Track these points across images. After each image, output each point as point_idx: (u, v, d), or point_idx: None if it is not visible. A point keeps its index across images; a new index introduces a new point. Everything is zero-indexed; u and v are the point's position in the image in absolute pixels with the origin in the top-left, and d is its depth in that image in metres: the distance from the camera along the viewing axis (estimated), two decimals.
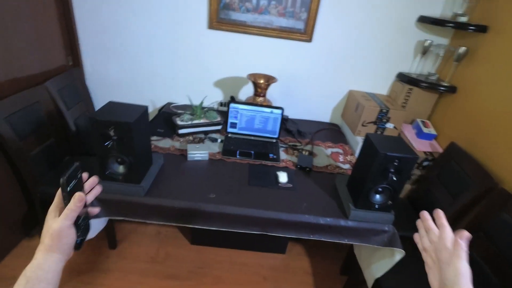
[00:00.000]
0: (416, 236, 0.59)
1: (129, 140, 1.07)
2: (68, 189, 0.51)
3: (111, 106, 1.14)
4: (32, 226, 1.75)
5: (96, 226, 1.34)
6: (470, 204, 1.44)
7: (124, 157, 1.12)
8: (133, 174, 1.17)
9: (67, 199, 0.51)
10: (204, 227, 1.26)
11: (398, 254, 1.25)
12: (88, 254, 1.68)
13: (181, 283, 1.61)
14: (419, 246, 0.57)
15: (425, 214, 0.57)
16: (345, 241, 1.28)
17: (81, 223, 0.54)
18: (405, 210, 1.72)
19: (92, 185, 0.60)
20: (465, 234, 0.49)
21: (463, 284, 0.47)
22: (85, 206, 0.56)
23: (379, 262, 1.34)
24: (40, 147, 1.59)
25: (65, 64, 1.93)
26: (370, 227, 1.25)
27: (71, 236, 0.50)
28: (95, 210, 0.59)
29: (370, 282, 1.36)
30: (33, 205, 1.70)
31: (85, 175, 0.57)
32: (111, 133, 1.06)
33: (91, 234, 1.32)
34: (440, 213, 0.54)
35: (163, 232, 1.91)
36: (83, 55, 2.02)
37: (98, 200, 1.21)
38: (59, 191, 0.51)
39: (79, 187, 0.55)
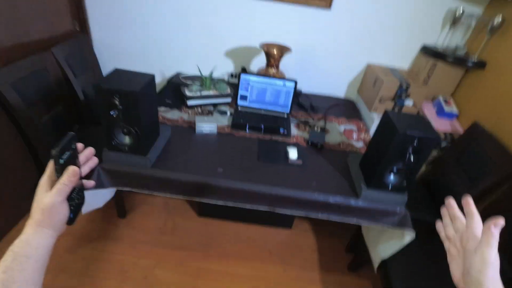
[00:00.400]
0: (439, 225, 0.54)
1: (134, 110, 1.03)
2: (61, 161, 0.47)
3: (117, 73, 1.09)
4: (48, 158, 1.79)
5: (104, 196, 1.34)
6: (490, 189, 1.37)
7: (130, 128, 1.09)
8: (140, 145, 1.14)
9: (59, 172, 0.47)
10: (211, 202, 1.24)
11: (408, 236, 1.22)
12: (98, 222, 1.72)
13: (189, 253, 1.64)
14: (442, 235, 0.53)
15: (451, 201, 0.52)
16: (354, 221, 1.25)
17: (75, 197, 0.51)
18: (417, 191, 1.66)
19: (88, 157, 0.56)
20: (500, 222, 0.43)
21: (490, 274, 0.42)
22: (80, 178, 0.51)
23: (387, 243, 1.31)
24: (49, 115, 1.57)
25: (71, 29, 1.87)
26: (382, 208, 1.21)
27: (63, 211, 0.47)
28: (90, 183, 0.55)
29: (376, 262, 1.34)
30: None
31: (80, 145, 0.53)
32: (116, 102, 1.02)
33: (99, 204, 1.33)
34: (469, 200, 0.48)
35: (171, 203, 1.93)
36: (90, 21, 1.94)
37: (104, 171, 1.20)
38: (51, 163, 0.47)
39: (74, 159, 0.51)
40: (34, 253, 0.42)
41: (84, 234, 1.65)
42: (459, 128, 1.73)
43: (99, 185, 1.20)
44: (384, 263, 1.31)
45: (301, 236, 1.86)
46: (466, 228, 0.48)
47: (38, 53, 1.54)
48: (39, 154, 1.55)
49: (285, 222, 1.89)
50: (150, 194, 1.94)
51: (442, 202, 1.58)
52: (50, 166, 0.48)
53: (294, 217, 1.88)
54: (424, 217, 1.50)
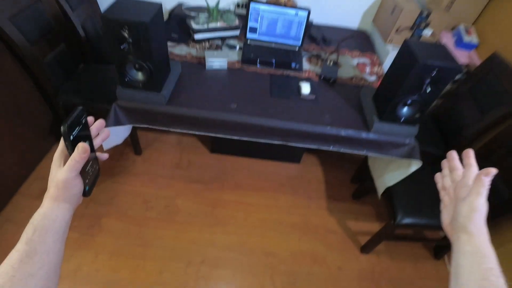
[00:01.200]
0: (437, 175, 0.55)
1: (146, 42, 0.99)
2: (71, 137, 0.45)
3: (122, 3, 1.02)
4: (60, 132, 1.84)
5: (122, 133, 1.38)
6: (499, 121, 1.38)
7: (142, 63, 1.06)
8: (153, 81, 1.13)
9: (70, 148, 0.45)
10: (226, 137, 1.28)
11: (415, 165, 1.28)
12: (116, 159, 1.81)
13: (205, 186, 1.76)
14: (439, 185, 0.54)
15: (452, 153, 0.53)
16: (364, 153, 1.30)
17: (89, 170, 0.50)
18: (427, 125, 1.69)
19: (99, 129, 0.54)
20: (492, 171, 0.45)
21: (477, 220, 0.44)
22: (93, 150, 0.51)
23: (393, 172, 1.38)
24: (53, 53, 1.52)
25: None
26: (392, 140, 1.25)
27: (77, 186, 0.47)
28: (104, 155, 0.55)
29: (381, 189, 1.43)
30: (58, 114, 1.74)
31: (90, 119, 0.51)
32: (126, 34, 0.97)
33: (118, 141, 1.38)
34: (470, 153, 0.50)
35: (184, 141, 1.99)
36: None
37: (120, 108, 1.21)
38: (62, 139, 0.46)
39: (85, 133, 0.49)
40: (53, 225, 0.44)
41: (105, 169, 1.75)
42: (477, 60, 1.66)
43: (116, 122, 1.23)
44: (387, 191, 1.40)
45: (309, 170, 1.96)
46: (462, 178, 0.49)
47: None
48: (48, 93, 1.55)
49: (294, 157, 1.97)
50: (164, 132, 1.99)
51: (450, 136, 1.62)
52: (61, 142, 0.47)
53: (303, 152, 1.95)
54: (430, 150, 1.55)
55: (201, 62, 1.44)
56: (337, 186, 1.89)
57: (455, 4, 1.66)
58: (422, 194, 1.39)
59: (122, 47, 1.01)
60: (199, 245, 1.50)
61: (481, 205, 0.45)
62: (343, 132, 1.25)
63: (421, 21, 1.59)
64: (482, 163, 1.36)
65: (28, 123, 1.57)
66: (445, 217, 0.50)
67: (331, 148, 1.29)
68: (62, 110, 1.60)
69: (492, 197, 1.21)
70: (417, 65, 0.99)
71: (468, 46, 1.69)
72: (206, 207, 1.66)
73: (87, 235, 1.47)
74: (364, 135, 1.25)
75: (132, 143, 1.79)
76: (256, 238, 1.57)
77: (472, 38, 1.69)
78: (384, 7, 1.80)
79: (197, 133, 1.28)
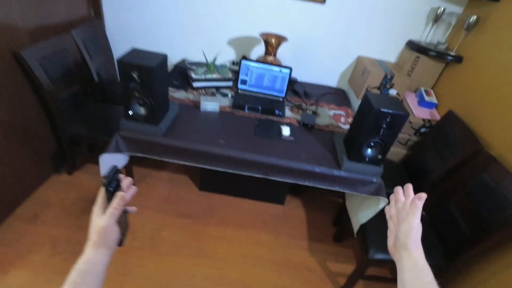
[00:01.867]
0: (386, 208, 0.64)
1: (150, 82, 1.20)
2: (111, 189, 0.56)
3: (135, 52, 1.26)
4: (60, 163, 1.97)
5: (120, 161, 1.52)
6: (457, 166, 1.56)
7: (145, 99, 1.26)
8: (153, 115, 1.32)
9: (109, 199, 0.56)
10: (214, 168, 1.43)
11: (383, 202, 1.41)
12: None
13: (191, 220, 1.83)
14: (387, 215, 0.63)
15: (397, 188, 0.62)
16: (337, 189, 1.44)
17: (122, 221, 0.58)
18: (397, 172, 1.86)
19: (128, 186, 0.63)
20: (423, 196, 0.54)
21: (414, 237, 0.53)
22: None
23: (365, 210, 1.50)
24: (68, 91, 1.75)
25: (87, 14, 2.03)
26: (360, 178, 1.40)
27: (115, 232, 0.55)
28: (133, 208, 0.63)
29: (355, 227, 1.54)
30: (61, 144, 1.90)
31: (122, 176, 0.62)
32: (135, 75, 1.19)
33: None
34: (409, 186, 0.60)
35: (175, 178, 2.11)
36: (104, 7, 2.10)
37: (121, 138, 1.38)
38: (102, 191, 0.57)
39: (118, 187, 0.59)
40: (94, 269, 0.51)
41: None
42: (437, 116, 1.92)
43: (116, 150, 1.39)
44: (362, 229, 1.50)
45: (292, 211, 2.05)
46: (402, 206, 0.58)
47: (59, 35, 1.70)
48: (57, 124, 1.73)
49: (278, 198, 2.08)
50: (156, 167, 2.13)
51: (417, 180, 1.80)
52: (101, 195, 0.57)
53: (286, 194, 2.07)
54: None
55: (196, 105, 1.66)
56: (319, 228, 1.97)
57: (415, 71, 1.98)
58: None
59: (130, 85, 1.22)
60: (180, 275, 1.52)
61: (417, 224, 0.54)
62: (317, 169, 1.40)
63: (386, 82, 1.88)
64: (446, 203, 1.51)
65: (32, 148, 1.70)
66: (390, 240, 0.59)
67: (306, 183, 1.43)
68: (67, 141, 1.77)
69: (455, 235, 1.33)
70: (373, 111, 1.20)
71: (429, 105, 1.96)
72: (191, 239, 1.72)
73: (70, 261, 1.49)
74: (336, 172, 1.40)
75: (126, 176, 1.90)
76: (236, 272, 1.60)
77: (432, 99, 1.97)
78: (357, 69, 2.12)
79: (187, 163, 1.43)
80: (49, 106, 1.65)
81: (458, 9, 1.92)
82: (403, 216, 0.56)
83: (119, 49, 2.26)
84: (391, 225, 0.60)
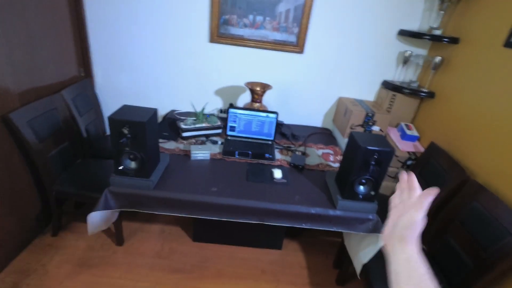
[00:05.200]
0: (392, 197, 0.61)
1: (142, 137, 1.22)
2: None
3: (126, 108, 1.30)
4: (45, 223, 1.88)
5: (110, 218, 1.47)
6: (448, 196, 1.59)
7: (136, 153, 1.27)
8: (144, 169, 1.32)
9: None
10: (207, 217, 1.40)
11: (382, 240, 1.38)
12: (97, 250, 1.80)
13: (185, 276, 1.72)
14: (391, 205, 0.60)
15: (403, 175, 0.60)
16: (334, 229, 1.42)
17: None
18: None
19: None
20: (433, 191, 0.52)
21: (414, 231, 0.51)
22: None
23: (365, 249, 1.47)
24: (57, 149, 1.74)
25: (77, 75, 2.11)
26: (356, 216, 1.39)
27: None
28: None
29: (358, 268, 1.48)
30: (47, 204, 1.83)
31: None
32: (126, 131, 1.21)
33: (104, 226, 1.45)
34: (412, 177, 0.58)
35: (167, 230, 2.03)
36: (94, 67, 2.20)
37: (111, 194, 1.35)
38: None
39: None
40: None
41: (84, 261, 1.72)
42: (421, 148, 1.99)
43: (105, 207, 1.34)
44: (365, 269, 1.45)
45: (291, 255, 1.97)
46: (408, 198, 0.56)
47: (49, 96, 1.74)
48: (45, 184, 1.68)
49: (275, 243, 2.01)
50: (147, 221, 2.06)
51: None
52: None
53: (283, 237, 2.01)
54: None
55: (187, 154, 1.68)
56: (320, 272, 1.88)
57: (393, 107, 2.10)
58: None
59: (121, 141, 1.23)
60: None
61: (420, 219, 0.51)
62: (313, 210, 1.39)
63: (369, 120, 1.97)
64: (444, 236, 1.50)
65: (15, 211, 1.62)
66: (387, 228, 0.56)
67: (303, 225, 1.41)
68: (53, 200, 1.71)
69: (459, 268, 1.30)
70: (360, 150, 1.25)
71: (412, 138, 2.05)
72: None
73: None
74: (331, 212, 1.40)
75: (116, 233, 1.82)
76: None
77: (413, 132, 2.06)
78: (339, 110, 2.23)
79: (180, 215, 1.39)
80: (36, 165, 1.62)
81: (423, 52, 2.11)
82: (407, 208, 0.54)
83: (108, 104, 2.31)
84: (393, 215, 0.57)
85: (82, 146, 1.99)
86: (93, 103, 2.17)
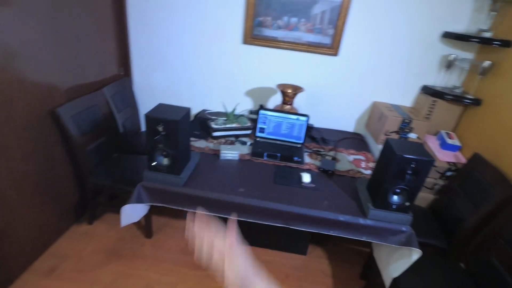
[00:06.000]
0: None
1: (174, 135, 1.25)
2: None
3: (161, 107, 1.34)
4: (81, 213, 2.00)
5: (140, 212, 1.52)
6: (492, 212, 1.46)
7: (169, 150, 1.31)
8: (175, 166, 1.35)
9: None
10: (233, 218, 1.39)
11: (415, 254, 1.31)
12: (127, 241, 1.88)
13: (208, 274, 1.74)
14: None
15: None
16: (363, 239, 1.36)
17: None
18: (426, 218, 1.75)
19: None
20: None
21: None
22: None
23: (397, 262, 1.39)
24: (95, 143, 1.84)
25: (117, 73, 2.22)
26: (388, 226, 1.32)
27: None
28: None
29: (387, 281, 1.41)
30: (84, 194, 1.94)
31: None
32: (160, 129, 1.25)
33: (135, 218, 1.51)
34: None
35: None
36: (133, 67, 2.30)
37: (144, 188, 1.40)
38: None
39: None
40: None
41: (114, 251, 1.80)
42: (462, 159, 1.85)
43: (138, 200, 1.40)
44: (395, 283, 1.38)
45: (316, 262, 1.93)
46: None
47: (92, 93, 1.86)
48: (83, 176, 1.79)
49: (300, 248, 1.97)
50: (176, 216, 2.11)
51: (451, 229, 1.70)
52: None
53: (308, 243, 1.97)
54: (434, 242, 1.58)
55: (216, 153, 1.70)
56: (346, 282, 1.82)
57: (433, 114, 1.98)
58: (430, 285, 1.35)
59: (155, 138, 1.27)
60: None
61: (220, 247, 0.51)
62: (341, 217, 1.34)
63: (405, 126, 1.87)
64: (486, 255, 1.40)
65: (54, 199, 1.74)
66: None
67: (330, 232, 1.36)
68: (90, 191, 1.81)
69: None
70: (395, 157, 1.18)
71: (453, 148, 1.91)
72: None
73: None
74: (361, 221, 1.34)
75: (145, 226, 1.89)
76: None
77: (455, 141, 1.92)
78: (373, 115, 2.14)
79: (207, 213, 1.40)
80: (76, 158, 1.72)
81: (469, 55, 1.97)
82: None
83: (145, 102, 2.41)
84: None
85: (118, 141, 2.09)
86: (131, 100, 2.27)
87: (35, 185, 1.58)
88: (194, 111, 2.39)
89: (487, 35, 1.78)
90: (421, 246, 1.31)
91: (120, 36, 2.16)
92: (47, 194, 1.68)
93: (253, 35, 2.08)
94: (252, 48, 2.13)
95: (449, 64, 1.93)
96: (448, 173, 1.81)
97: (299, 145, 1.87)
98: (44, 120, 1.56)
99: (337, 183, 1.57)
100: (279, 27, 2.03)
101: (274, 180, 1.53)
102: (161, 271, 1.72)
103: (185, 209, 1.41)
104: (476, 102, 1.85)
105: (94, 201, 1.91)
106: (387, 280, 1.42)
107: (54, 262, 1.69)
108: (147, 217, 1.83)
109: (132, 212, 1.46)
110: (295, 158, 1.72)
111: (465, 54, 1.96)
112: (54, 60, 1.59)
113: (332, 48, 2.05)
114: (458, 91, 1.95)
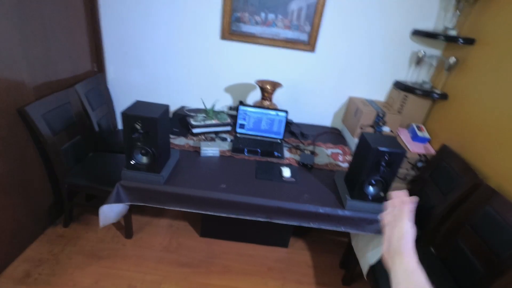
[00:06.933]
0: (382, 214, 0.63)
1: (153, 133, 1.24)
2: None
3: (138, 104, 1.32)
4: (57, 215, 1.92)
5: (120, 212, 1.50)
6: (459, 200, 1.56)
7: (148, 148, 1.29)
8: (155, 164, 1.33)
9: None
10: (215, 214, 1.41)
11: (382, 257, 1.38)
12: (107, 242, 1.84)
13: (192, 270, 1.74)
14: (383, 222, 0.61)
15: (391, 193, 0.64)
16: (342, 229, 1.42)
17: None
18: None
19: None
20: (411, 199, 0.56)
21: (407, 240, 0.54)
22: None
23: (373, 250, 1.47)
24: (69, 142, 1.77)
25: (91, 69, 2.14)
26: (365, 216, 1.39)
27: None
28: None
29: (365, 269, 1.48)
30: (59, 196, 1.87)
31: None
32: (138, 126, 1.23)
33: (115, 219, 1.48)
34: (403, 191, 0.61)
35: (175, 225, 2.05)
36: (107, 62, 2.22)
37: (123, 187, 1.37)
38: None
39: None
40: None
41: (94, 253, 1.75)
42: (432, 150, 1.97)
43: (117, 200, 1.37)
44: (372, 270, 1.45)
45: (297, 254, 1.98)
46: (398, 212, 0.58)
47: (63, 90, 1.78)
48: (57, 176, 1.72)
49: (282, 241, 2.02)
50: (156, 215, 2.08)
51: (422, 217, 1.79)
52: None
53: (290, 236, 2.02)
54: None
55: (197, 150, 1.69)
56: (326, 271, 1.88)
57: (404, 108, 2.08)
58: None
59: (133, 135, 1.25)
60: None
61: (408, 227, 0.55)
62: (321, 210, 1.39)
63: (379, 120, 1.96)
64: (454, 240, 1.50)
65: (28, 202, 1.67)
66: (384, 245, 0.58)
67: (311, 225, 1.41)
68: (66, 192, 1.74)
69: (470, 274, 1.29)
70: (371, 150, 1.24)
71: (422, 140, 2.02)
72: None
73: None
74: (340, 212, 1.39)
75: (125, 226, 1.85)
76: None
77: (425, 134, 2.03)
78: (349, 109, 2.21)
79: (189, 210, 1.41)
80: (50, 158, 1.65)
81: (437, 52, 2.08)
82: (396, 222, 0.57)
83: (120, 99, 2.34)
84: (387, 230, 0.59)
85: (93, 140, 2.02)
86: (105, 98, 2.20)
87: (5, 187, 1.50)
88: (173, 108, 2.35)
89: (452, 33, 1.89)
90: None
91: (93, 31, 2.08)
92: (19, 196, 1.60)
93: (231, 31, 2.07)
94: (230, 44, 2.13)
95: (418, 60, 2.03)
96: (419, 164, 1.92)
97: (279, 141, 1.90)
98: (12, 119, 1.48)
99: (316, 177, 1.62)
100: (257, 23, 2.04)
101: (256, 176, 1.55)
102: (144, 270, 1.70)
103: (166, 207, 1.40)
104: (443, 96, 1.96)
105: (71, 202, 1.84)
106: (365, 267, 1.49)
107: (29, 266, 1.62)
108: (126, 217, 1.80)
109: (111, 213, 1.43)
110: (276, 153, 1.75)
111: (433, 51, 2.07)
112: (21, 56, 1.51)
113: (309, 45, 2.09)
114: (427, 86, 2.06)
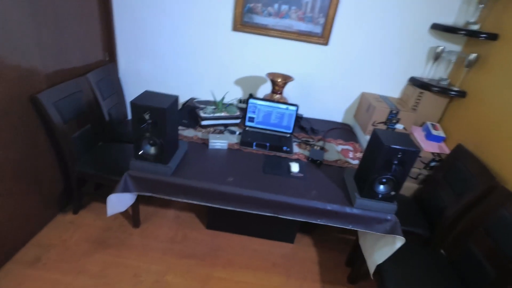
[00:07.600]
0: None
1: (162, 123, 1.23)
2: None
3: (147, 94, 1.31)
4: (66, 202, 1.95)
5: (127, 201, 1.50)
6: (473, 202, 1.51)
7: (156, 139, 1.28)
8: (163, 155, 1.33)
9: None
10: (222, 207, 1.40)
11: (399, 242, 1.35)
12: (114, 231, 1.86)
13: (197, 262, 1.75)
14: None
15: None
16: (350, 227, 1.39)
17: None
18: (410, 207, 1.80)
19: None
20: None
21: None
22: None
23: (381, 250, 1.43)
24: (79, 131, 1.79)
25: (102, 59, 2.14)
26: (374, 215, 1.35)
27: None
28: None
29: (372, 268, 1.45)
30: (69, 183, 1.90)
31: None
32: (147, 117, 1.22)
33: (122, 208, 1.49)
34: None
35: (181, 216, 2.06)
36: (118, 52, 2.23)
37: (130, 177, 1.37)
38: None
39: None
40: None
41: (101, 240, 1.78)
42: (446, 150, 1.90)
43: (124, 189, 1.37)
44: (379, 270, 1.42)
45: (303, 250, 1.96)
46: None
47: (75, 78, 1.79)
48: (66, 163, 1.74)
49: (288, 236, 2.00)
50: (163, 206, 2.10)
51: (434, 218, 1.75)
52: None
53: (296, 232, 2.00)
54: (417, 231, 1.63)
55: (205, 142, 1.68)
56: (332, 269, 1.86)
57: (419, 106, 2.01)
58: (411, 274, 1.40)
59: (142, 126, 1.24)
60: None
61: None
62: (329, 206, 1.37)
63: (392, 117, 1.90)
64: (465, 242, 1.45)
65: (39, 188, 1.70)
66: None
67: (318, 221, 1.39)
68: (75, 180, 1.77)
69: (480, 278, 1.25)
70: (383, 148, 1.20)
71: (437, 139, 1.96)
72: (197, 283, 1.63)
73: None
74: (348, 210, 1.36)
75: (133, 215, 1.87)
76: None
77: (439, 133, 1.97)
78: (361, 105, 2.16)
79: (195, 202, 1.40)
80: (60, 146, 1.67)
81: (457, 48, 1.99)
82: None
83: (130, 89, 2.35)
84: None
85: (103, 130, 2.03)
86: (116, 87, 2.20)
87: (17, 174, 1.53)
88: (182, 99, 2.34)
89: (474, 27, 1.80)
90: (405, 234, 1.36)
91: (105, 20, 2.08)
92: (30, 183, 1.63)
93: (243, 22, 2.03)
94: (242, 36, 2.09)
95: (436, 56, 1.95)
96: (432, 164, 1.86)
97: (288, 135, 1.87)
98: (24, 107, 1.50)
99: (325, 173, 1.59)
100: (270, 14, 2.00)
101: (263, 170, 1.53)
102: (149, 260, 1.72)
103: (173, 199, 1.40)
104: (461, 94, 1.88)
105: (80, 190, 1.87)
106: (372, 266, 1.46)
107: (39, 251, 1.66)
108: (134, 206, 1.81)
109: (119, 202, 1.43)
110: (284, 148, 1.72)
111: (453, 47, 1.99)
112: (34, 43, 1.52)
113: (322, 37, 2.04)
114: (444, 83, 1.98)
